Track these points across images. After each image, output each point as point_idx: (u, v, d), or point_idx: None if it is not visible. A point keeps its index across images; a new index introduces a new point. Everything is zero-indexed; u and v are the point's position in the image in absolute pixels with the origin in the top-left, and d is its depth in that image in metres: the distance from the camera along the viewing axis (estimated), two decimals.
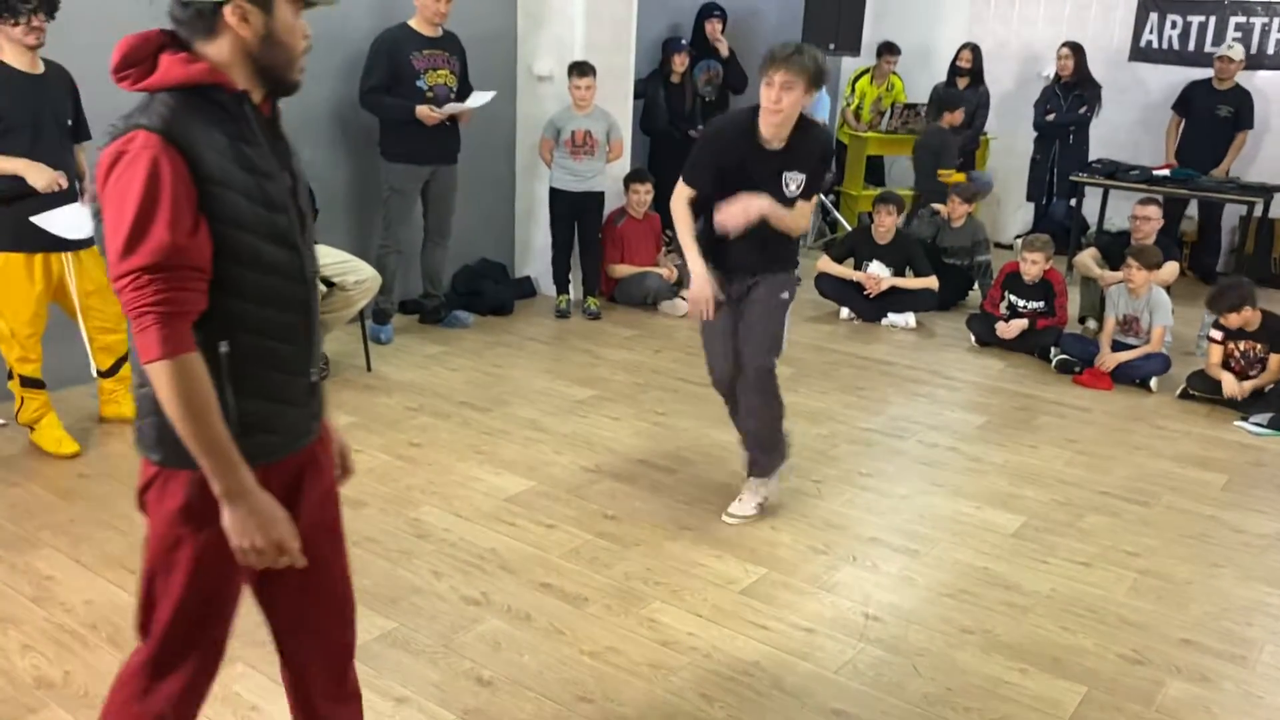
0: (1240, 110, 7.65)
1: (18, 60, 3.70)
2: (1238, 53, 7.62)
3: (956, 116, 7.82)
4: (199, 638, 1.86)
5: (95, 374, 4.23)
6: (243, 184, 1.68)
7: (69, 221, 3.87)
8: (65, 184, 3.79)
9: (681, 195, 3.62)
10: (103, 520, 3.59)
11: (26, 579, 3.21)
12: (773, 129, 3.45)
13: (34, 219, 3.77)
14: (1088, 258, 6.44)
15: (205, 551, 1.76)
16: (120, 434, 4.31)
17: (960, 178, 7.58)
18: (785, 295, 3.69)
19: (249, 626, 2.97)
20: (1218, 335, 5.33)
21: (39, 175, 3.70)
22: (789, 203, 3.54)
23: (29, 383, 4.01)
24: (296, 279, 1.78)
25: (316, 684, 2.05)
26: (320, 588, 1.97)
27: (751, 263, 3.64)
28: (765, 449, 3.83)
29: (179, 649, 1.85)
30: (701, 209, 3.63)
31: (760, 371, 3.70)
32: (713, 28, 7.62)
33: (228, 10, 1.68)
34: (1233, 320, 5.19)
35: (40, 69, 3.78)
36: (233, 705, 2.66)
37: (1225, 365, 5.28)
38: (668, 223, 7.14)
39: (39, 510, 3.65)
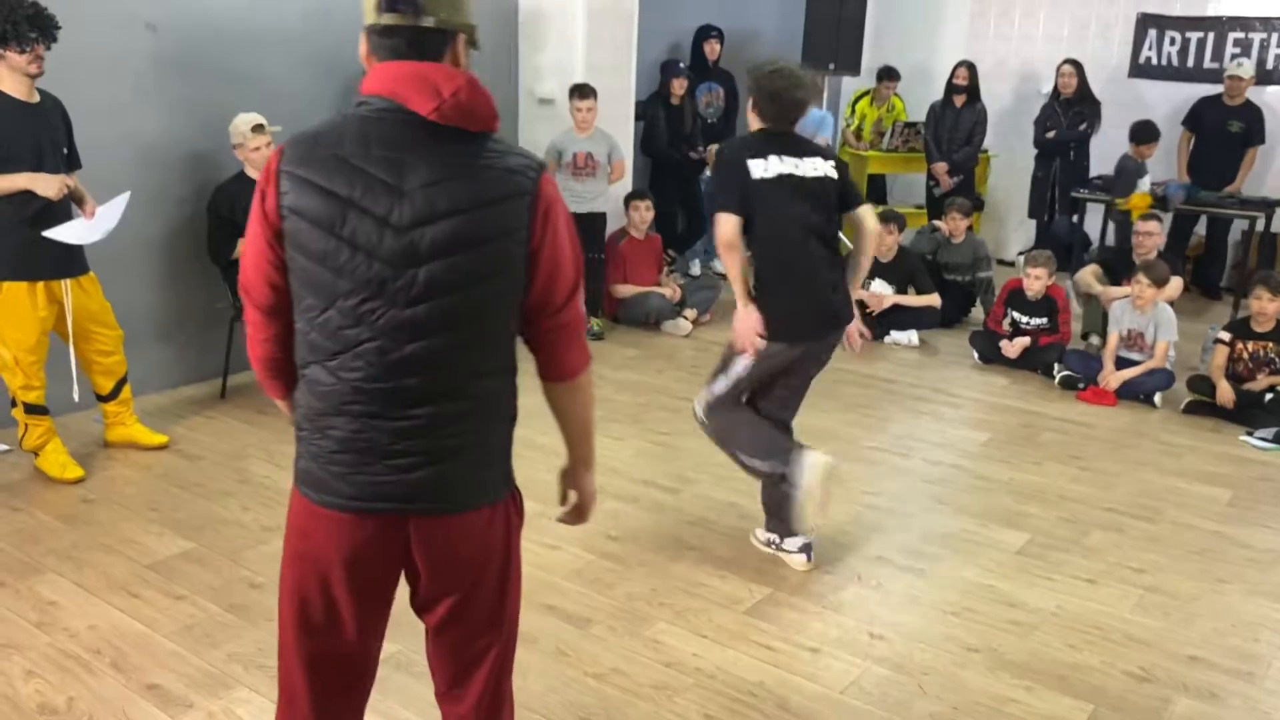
0: (1251, 125, 7.62)
1: (16, 90, 3.74)
2: (1247, 70, 7.58)
3: (1149, 150, 7.34)
4: None
5: (80, 397, 4.15)
6: None
7: (77, 233, 3.93)
8: (74, 184, 3.87)
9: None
10: (107, 545, 3.59)
11: (30, 604, 3.21)
12: None
13: (46, 233, 3.83)
14: (1089, 274, 6.44)
15: None
16: (124, 458, 4.32)
17: (1142, 199, 7.19)
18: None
19: (250, 650, 2.99)
20: (1225, 336, 5.32)
21: (47, 185, 3.76)
22: None
23: (33, 409, 4.02)
24: None
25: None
26: None
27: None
28: (766, 508, 3.64)
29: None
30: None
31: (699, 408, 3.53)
32: (711, 49, 7.66)
33: (460, 39, 1.68)
34: (1269, 306, 5.18)
35: (36, 99, 3.82)
36: None
37: (1232, 368, 5.27)
38: (669, 243, 7.22)
39: (43, 535, 3.65)
